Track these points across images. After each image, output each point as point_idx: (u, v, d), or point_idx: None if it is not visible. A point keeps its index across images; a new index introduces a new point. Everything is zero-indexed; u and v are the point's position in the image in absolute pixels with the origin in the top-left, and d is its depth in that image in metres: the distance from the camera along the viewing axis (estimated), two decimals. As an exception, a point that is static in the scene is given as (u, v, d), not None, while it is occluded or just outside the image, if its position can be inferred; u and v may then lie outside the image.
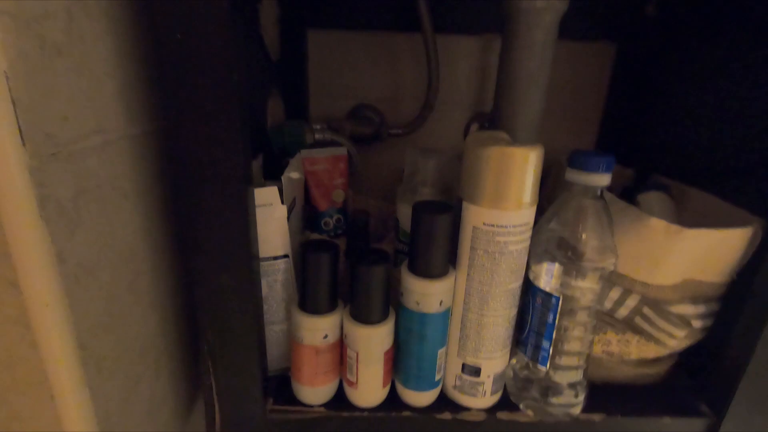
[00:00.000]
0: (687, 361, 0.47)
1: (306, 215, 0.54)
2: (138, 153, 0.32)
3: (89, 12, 0.26)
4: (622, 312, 0.42)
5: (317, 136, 0.55)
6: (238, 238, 0.35)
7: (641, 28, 0.59)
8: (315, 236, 0.52)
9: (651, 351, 0.44)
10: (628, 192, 0.57)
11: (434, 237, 0.35)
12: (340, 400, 0.42)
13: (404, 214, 0.42)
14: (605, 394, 0.44)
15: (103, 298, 0.29)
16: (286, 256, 0.40)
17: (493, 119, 0.42)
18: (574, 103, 0.64)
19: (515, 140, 0.37)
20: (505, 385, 0.43)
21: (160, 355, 0.37)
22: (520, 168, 0.33)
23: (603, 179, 0.35)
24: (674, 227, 0.37)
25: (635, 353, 0.44)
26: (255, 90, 0.49)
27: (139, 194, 0.33)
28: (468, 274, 0.37)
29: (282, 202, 0.38)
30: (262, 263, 0.39)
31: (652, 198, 0.50)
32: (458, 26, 0.59)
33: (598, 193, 0.36)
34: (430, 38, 0.55)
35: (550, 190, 0.51)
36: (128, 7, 0.31)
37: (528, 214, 0.35)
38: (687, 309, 0.41)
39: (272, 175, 0.47)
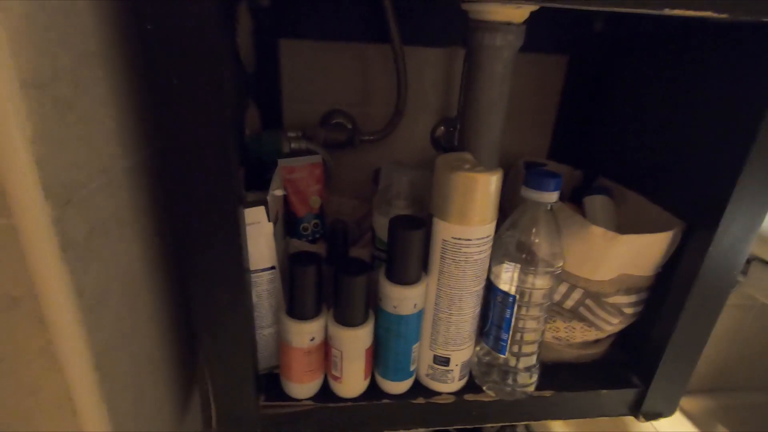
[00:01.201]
0: (621, 340, 0.55)
1: (285, 221, 0.57)
2: (133, 183, 0.35)
3: (91, 64, 0.28)
4: (569, 303, 0.49)
5: (293, 144, 0.58)
6: (231, 256, 0.38)
7: (590, 42, 0.65)
8: (295, 242, 0.55)
9: (592, 335, 0.51)
10: (576, 192, 0.63)
11: (409, 249, 0.40)
12: (325, 392, 0.47)
13: (380, 224, 0.46)
14: (554, 373, 0.51)
15: (112, 322, 0.31)
16: (273, 267, 0.43)
17: (460, 137, 0.46)
18: (531, 109, 0.70)
19: (479, 159, 0.42)
20: (470, 371, 0.49)
21: (158, 364, 0.40)
22: (483, 191, 0.38)
23: (552, 197, 0.40)
24: (610, 234, 0.44)
25: (579, 337, 0.51)
26: (236, 103, 0.50)
27: (137, 221, 0.35)
28: (438, 280, 0.42)
29: (269, 220, 0.41)
30: (251, 276, 0.42)
31: (596, 201, 0.56)
32: (424, 39, 0.63)
33: (549, 207, 0.41)
34: (399, 50, 0.58)
35: (509, 190, 0.57)
36: (123, 53, 0.33)
37: (489, 228, 0.40)
38: (621, 299, 0.48)
39: (251, 184, 0.50)
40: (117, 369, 0.32)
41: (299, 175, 0.57)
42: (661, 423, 0.68)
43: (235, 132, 0.36)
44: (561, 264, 0.42)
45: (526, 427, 0.76)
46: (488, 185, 0.38)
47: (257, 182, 0.50)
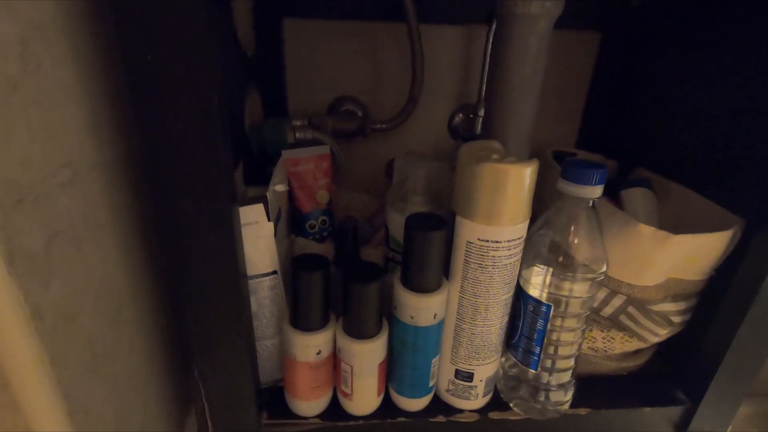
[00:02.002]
0: (665, 350, 0.49)
1: (290, 218, 0.53)
2: (111, 181, 0.30)
3: (45, 38, 0.23)
4: (608, 310, 0.44)
5: (298, 134, 0.53)
6: (225, 260, 0.33)
7: (626, 18, 0.58)
8: (301, 241, 0.50)
9: (633, 346, 0.45)
10: (611, 184, 0.57)
11: (428, 253, 0.35)
12: (335, 410, 0.42)
13: (395, 222, 0.41)
14: (590, 387, 0.46)
15: (86, 342, 0.27)
16: (274, 272, 0.39)
17: (485, 124, 0.41)
18: (557, 93, 0.63)
19: (507, 147, 0.36)
20: (495, 385, 0.44)
21: (148, 382, 0.36)
22: (515, 185, 0.32)
23: (595, 191, 0.34)
24: (661, 233, 0.38)
25: (619, 348, 0.46)
26: (232, 91, 0.46)
27: (115, 225, 0.30)
28: (462, 287, 0.37)
29: (268, 219, 0.36)
30: (250, 281, 0.38)
31: (635, 194, 0.50)
32: (441, 16, 0.57)
33: (591, 204, 0.36)
34: (415, 29, 0.53)
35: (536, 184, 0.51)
36: (89, 26, 0.28)
37: (522, 228, 0.35)
38: (668, 307, 0.43)
39: (253, 179, 0.45)
40: (94, 394, 0.28)
41: (305, 167, 0.52)
42: None
43: (228, 119, 0.31)
44: (604, 269, 0.37)
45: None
46: (521, 179, 0.32)
47: (260, 177, 0.45)
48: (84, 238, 0.27)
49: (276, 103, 0.59)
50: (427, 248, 0.35)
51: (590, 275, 0.37)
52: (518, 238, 0.35)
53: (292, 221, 0.53)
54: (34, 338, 0.22)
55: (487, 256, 0.35)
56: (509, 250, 0.35)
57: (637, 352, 0.48)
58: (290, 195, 0.52)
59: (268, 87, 0.57)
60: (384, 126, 0.58)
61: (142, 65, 0.26)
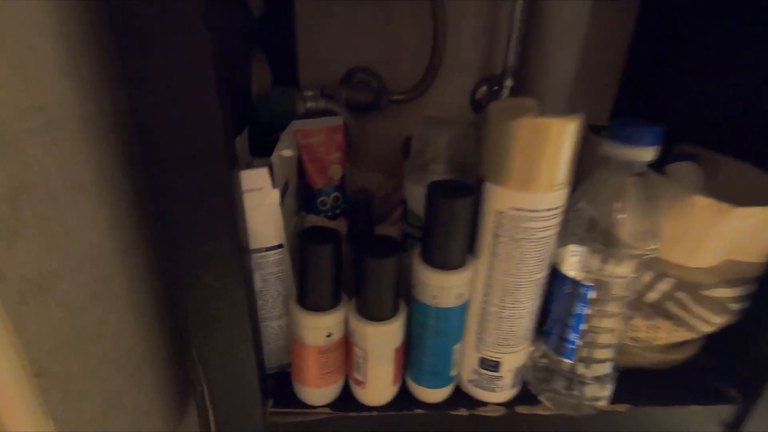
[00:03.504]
0: (713, 342, 0.44)
1: (300, 194, 0.49)
2: (96, 137, 0.26)
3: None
4: (653, 296, 0.39)
5: (309, 104, 0.49)
6: (225, 230, 0.30)
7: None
8: (311, 218, 0.47)
9: (681, 336, 0.40)
10: (652, 162, 0.52)
11: (453, 224, 0.31)
12: (346, 399, 0.39)
13: (413, 194, 0.37)
14: (629, 381, 0.41)
15: (64, 314, 0.24)
16: (280, 246, 0.35)
17: (517, 83, 0.36)
18: (591, 67, 0.58)
19: (544, 108, 0.32)
20: (524, 377, 0.40)
21: (141, 364, 0.33)
22: (555, 144, 0.28)
23: (649, 153, 0.30)
24: (722, 205, 0.33)
25: (664, 339, 0.41)
26: (236, 52, 0.42)
27: (101, 186, 0.27)
28: (490, 263, 0.33)
29: (273, 186, 0.33)
30: (253, 256, 0.34)
31: (681, 169, 0.45)
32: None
33: (642, 169, 0.31)
34: (436, -10, 0.48)
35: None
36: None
37: (561, 196, 0.30)
38: (723, 292, 0.37)
39: (260, 151, 0.42)
40: (74, 371, 0.25)
41: (316, 139, 0.48)
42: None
43: (226, 71, 0.27)
44: (654, 246, 0.32)
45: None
46: (563, 136, 0.28)
47: (267, 148, 0.41)
48: (60, 197, 0.23)
49: (286, 74, 0.55)
50: (452, 218, 0.31)
51: (638, 252, 0.32)
52: (556, 208, 0.30)
53: (302, 198, 0.50)
54: (-6, 304, 0.19)
55: (521, 227, 0.30)
56: (546, 221, 0.30)
57: (683, 343, 0.43)
58: (301, 170, 0.49)
59: (278, 55, 0.53)
60: (401, 97, 0.54)
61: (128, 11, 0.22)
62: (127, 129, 0.30)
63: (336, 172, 0.49)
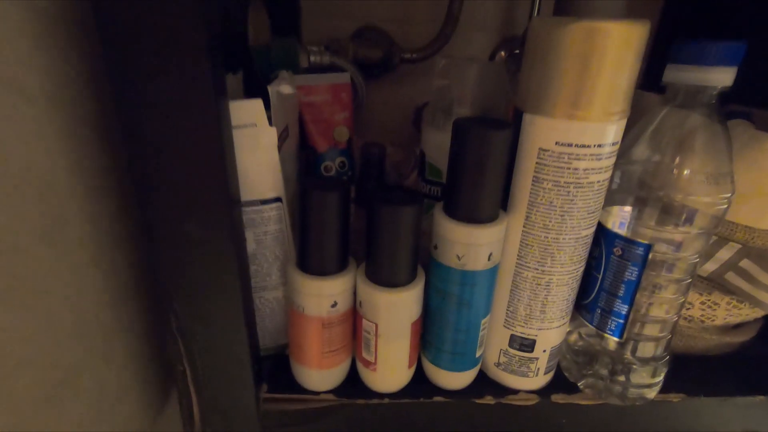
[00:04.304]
0: (773, 325, 0.38)
1: (301, 158, 0.44)
2: (46, 34, 0.21)
3: None
4: (709, 267, 0.33)
5: (313, 58, 0.44)
6: (209, 173, 0.25)
7: None
8: (314, 183, 0.41)
9: (742, 314, 0.35)
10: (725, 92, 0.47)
11: (485, 165, 0.25)
12: (353, 384, 0.33)
13: (435, 143, 0.32)
14: (682, 368, 0.35)
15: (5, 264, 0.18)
16: (278, 199, 0.30)
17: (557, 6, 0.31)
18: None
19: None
20: (559, 361, 0.34)
21: (110, 335, 0.28)
22: (617, 54, 0.22)
23: (726, 76, 0.24)
24: (806, 149, 0.27)
25: (721, 318, 0.35)
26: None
27: (51, 97, 0.22)
28: (527, 217, 0.27)
29: (270, 123, 0.27)
30: (245, 209, 0.29)
31: (736, 128, 0.40)
32: None
33: (714, 99, 0.25)
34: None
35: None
36: None
37: (618, 130, 0.25)
38: (798, 261, 0.32)
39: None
40: (12, 334, 0.19)
41: (320, 97, 0.43)
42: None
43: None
44: (729, 195, 0.27)
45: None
46: (627, 43, 0.22)
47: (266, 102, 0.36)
48: (-7, 100, 0.18)
49: (288, 31, 0.50)
50: (484, 158, 0.25)
51: (709, 202, 0.26)
52: (613, 143, 0.25)
53: (304, 163, 0.44)
54: None
55: (568, 168, 0.25)
56: (600, 160, 0.25)
57: (740, 325, 0.37)
58: (303, 130, 0.43)
59: (279, 8, 0.48)
60: (415, 56, 0.49)
61: None
62: (89, 33, 0.25)
63: (342, 134, 0.44)
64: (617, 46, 0.22)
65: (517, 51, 0.52)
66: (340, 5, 0.51)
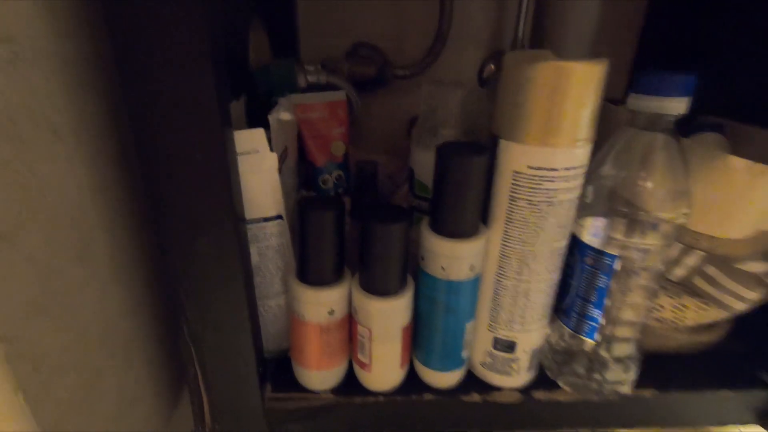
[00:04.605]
0: (744, 324, 0.41)
1: (301, 172, 0.47)
2: (74, 79, 0.24)
3: None
4: (679, 272, 0.36)
5: (311, 78, 0.47)
6: (217, 194, 0.27)
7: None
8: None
9: (710, 316, 0.37)
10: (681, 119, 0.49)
11: (465, 187, 0.28)
12: (350, 383, 0.36)
13: (421, 162, 0.35)
14: (655, 365, 0.38)
15: (36, 274, 0.21)
16: (279, 217, 0.33)
17: (533, 31, 0.34)
18: (606, 38, 0.55)
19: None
20: (541, 360, 0.37)
21: (129, 341, 0.31)
22: (580, 90, 0.25)
23: (681, 105, 0.27)
24: (759, 166, 0.30)
25: (691, 319, 0.38)
26: (232, 19, 0.40)
27: (79, 135, 0.25)
28: (505, 231, 0.30)
29: (271, 149, 0.30)
30: (249, 226, 0.32)
31: (706, 140, 0.42)
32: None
33: (672, 124, 0.28)
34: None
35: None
36: None
37: (584, 154, 0.28)
38: (760, 266, 0.35)
39: (258, 123, 0.39)
40: (47, 342, 0.22)
41: (318, 114, 0.46)
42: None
43: (219, 17, 0.25)
44: (686, 210, 0.29)
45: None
46: (588, 80, 0.25)
47: (265, 123, 0.39)
48: (31, 141, 0.21)
49: (286, 49, 0.53)
50: (464, 180, 0.28)
51: (668, 216, 0.29)
52: (580, 166, 0.28)
53: (303, 176, 0.47)
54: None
55: (540, 189, 0.28)
56: (568, 181, 0.28)
57: (711, 325, 0.40)
58: (301, 147, 0.46)
59: (278, 28, 0.51)
60: (407, 72, 0.52)
61: None
62: (112, 75, 0.28)
63: (338, 148, 0.47)
64: (580, 83, 0.25)
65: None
66: (335, 23, 0.54)
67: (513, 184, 0.28)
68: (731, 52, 0.47)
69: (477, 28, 0.55)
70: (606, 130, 0.30)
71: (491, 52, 0.57)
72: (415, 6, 0.53)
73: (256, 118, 0.41)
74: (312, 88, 0.47)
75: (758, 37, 0.44)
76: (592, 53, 0.34)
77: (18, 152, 0.20)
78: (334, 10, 0.53)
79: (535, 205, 0.28)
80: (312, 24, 0.53)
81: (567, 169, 0.27)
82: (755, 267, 0.35)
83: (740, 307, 0.36)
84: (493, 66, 0.58)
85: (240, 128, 0.36)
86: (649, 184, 0.29)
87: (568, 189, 0.28)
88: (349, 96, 0.48)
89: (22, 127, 0.20)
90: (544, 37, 0.33)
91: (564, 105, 0.25)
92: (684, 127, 0.47)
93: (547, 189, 0.28)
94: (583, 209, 0.31)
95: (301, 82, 0.46)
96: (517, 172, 0.28)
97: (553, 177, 0.27)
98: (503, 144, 0.28)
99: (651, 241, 0.30)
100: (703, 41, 0.51)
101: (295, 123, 0.41)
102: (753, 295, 0.35)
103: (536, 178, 0.28)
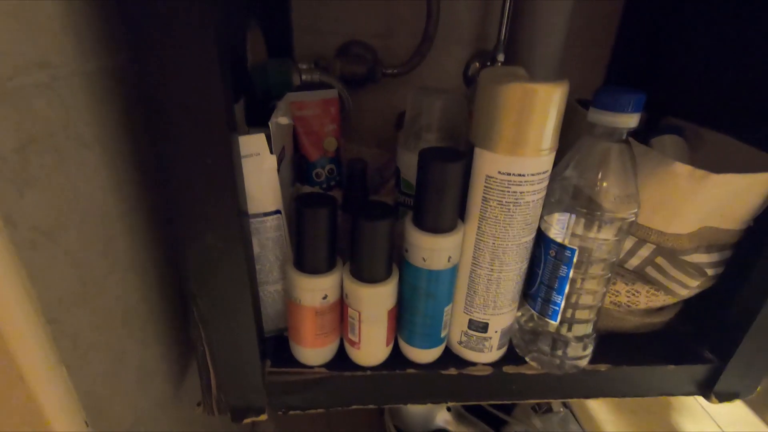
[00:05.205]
0: (691, 307, 0.46)
1: (296, 166, 0.50)
2: (97, 94, 0.27)
3: None
4: (633, 262, 0.41)
5: (305, 76, 0.50)
6: (224, 193, 0.31)
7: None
8: (306, 189, 0.48)
9: (660, 300, 0.42)
10: (638, 136, 0.53)
11: (444, 188, 0.32)
12: (341, 359, 0.40)
13: (407, 162, 0.38)
14: (611, 344, 0.43)
15: (72, 265, 0.25)
16: (278, 212, 0.36)
17: (505, 53, 0.37)
18: (583, 39, 0.59)
19: (534, 76, 0.33)
20: (511, 339, 0.42)
21: (145, 323, 0.34)
22: (543, 108, 0.29)
23: (631, 120, 0.31)
24: (700, 172, 0.34)
25: (644, 303, 0.43)
26: (231, 23, 0.42)
27: (103, 144, 0.28)
28: (479, 228, 0.34)
29: (271, 151, 0.34)
30: (251, 221, 0.35)
31: (666, 142, 0.47)
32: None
33: (624, 136, 0.32)
34: (429, -39, 0.49)
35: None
36: None
37: (548, 161, 0.32)
38: (701, 258, 0.39)
39: (256, 121, 0.42)
40: (83, 322, 0.26)
41: (311, 111, 0.49)
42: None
43: (225, 38, 0.28)
44: (635, 210, 0.34)
45: (567, 407, 0.69)
46: (550, 100, 0.29)
47: (263, 119, 0.42)
48: (65, 152, 0.24)
49: (281, 46, 0.56)
50: (442, 183, 0.32)
51: (620, 216, 0.34)
52: (544, 172, 0.32)
53: (297, 170, 0.51)
54: (8, 248, 0.20)
55: (509, 192, 0.32)
56: (533, 185, 0.32)
57: (661, 308, 0.45)
58: (296, 143, 0.49)
59: (273, 27, 0.54)
60: (396, 71, 0.55)
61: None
62: (129, 89, 0.31)
63: (330, 144, 0.50)
64: (544, 102, 0.29)
65: (489, 63, 0.58)
66: (328, 21, 0.56)
67: (485, 186, 0.32)
68: (690, 62, 0.51)
69: (463, 28, 0.58)
70: (576, 131, 0.34)
71: (476, 51, 0.60)
72: (405, 5, 0.56)
73: (254, 115, 0.45)
74: (305, 86, 0.50)
75: (711, 51, 0.48)
76: (561, 68, 0.38)
77: (57, 162, 0.23)
78: (327, 8, 0.55)
79: (504, 205, 0.32)
80: (306, 22, 0.55)
81: (532, 174, 0.31)
82: (698, 258, 0.39)
83: (684, 293, 0.41)
84: (478, 64, 0.61)
85: (240, 129, 0.39)
86: (604, 187, 0.33)
87: (534, 191, 0.32)
88: (340, 94, 0.51)
89: (58, 140, 0.24)
90: (516, 56, 0.37)
91: (530, 121, 0.29)
92: (649, 129, 0.51)
93: (514, 191, 0.32)
94: (550, 206, 0.35)
95: (296, 80, 0.49)
96: (489, 177, 0.32)
97: (521, 181, 0.31)
98: (477, 151, 0.32)
99: (605, 236, 0.35)
100: (669, 51, 0.55)
101: (292, 125, 0.44)
102: (695, 283, 0.40)
103: (505, 182, 0.31)
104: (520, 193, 0.32)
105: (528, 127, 0.29)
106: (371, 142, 0.62)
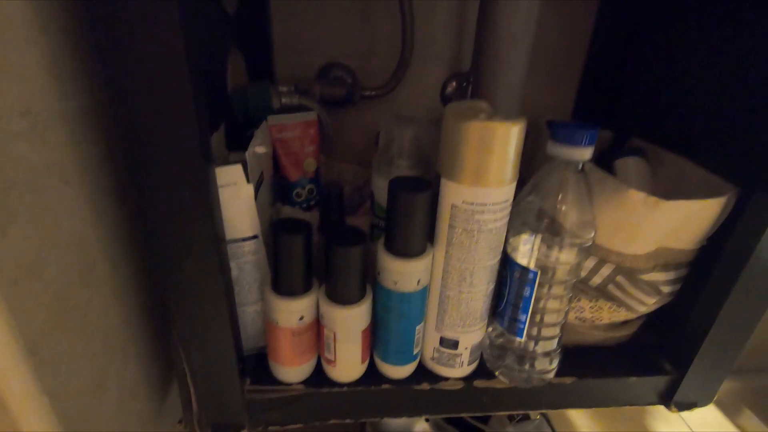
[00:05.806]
0: (651, 321, 0.49)
1: (276, 186, 0.51)
2: (76, 132, 0.28)
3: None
4: (596, 280, 0.43)
5: (284, 100, 0.51)
6: (201, 222, 0.32)
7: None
8: (287, 209, 0.49)
9: (621, 316, 0.45)
10: (605, 155, 0.56)
11: (412, 216, 0.34)
12: (319, 376, 0.42)
13: (380, 187, 0.40)
14: (576, 357, 0.45)
15: (52, 297, 0.26)
16: (255, 236, 0.38)
17: (473, 83, 0.39)
18: (553, 62, 0.62)
19: (496, 107, 0.35)
20: (481, 354, 0.44)
21: (126, 344, 0.36)
22: (502, 144, 0.31)
23: (585, 153, 0.33)
24: (652, 199, 0.37)
25: (606, 318, 0.45)
26: (211, 50, 0.44)
27: (83, 178, 0.29)
28: (446, 252, 0.36)
29: (248, 181, 0.35)
30: (229, 245, 0.37)
31: (628, 164, 0.49)
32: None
33: (580, 167, 0.34)
34: (405, -11, 0.51)
35: (527, 154, 0.50)
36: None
37: (508, 191, 0.34)
38: (658, 276, 0.42)
39: (237, 145, 0.44)
40: (62, 351, 0.27)
41: (291, 134, 0.50)
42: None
43: (201, 72, 0.29)
44: (592, 235, 0.36)
45: (543, 415, 0.72)
46: (508, 137, 0.31)
47: (243, 142, 0.44)
48: (47, 190, 0.26)
49: (262, 68, 0.57)
50: (411, 211, 0.34)
51: (578, 241, 0.36)
52: (505, 201, 0.34)
53: (278, 189, 0.52)
54: (-9, 289, 0.21)
55: (473, 219, 0.34)
56: (495, 213, 0.34)
57: (624, 323, 0.47)
58: (276, 163, 0.51)
59: (253, 50, 0.55)
60: (374, 93, 0.57)
61: (105, 12, 0.24)
62: (108, 126, 0.32)
63: (310, 165, 0.52)
64: (502, 139, 0.31)
65: (465, 84, 0.60)
66: (308, 43, 0.58)
67: (451, 214, 0.34)
68: (656, 85, 0.54)
69: (439, 48, 0.60)
70: (544, 152, 0.36)
71: (452, 72, 0.62)
72: (384, 26, 0.58)
73: (235, 139, 0.46)
74: (286, 109, 0.51)
75: (674, 76, 0.51)
76: (520, 99, 0.40)
77: (40, 202, 0.25)
78: (307, 31, 0.57)
79: (469, 231, 0.34)
80: (286, 44, 0.57)
81: (494, 204, 0.33)
82: (656, 276, 0.42)
83: (643, 309, 0.43)
84: (455, 83, 0.63)
85: (220, 154, 0.41)
86: (563, 214, 0.35)
87: (496, 219, 0.34)
88: (320, 116, 0.53)
89: (41, 179, 0.25)
90: (479, 84, 0.39)
91: (490, 156, 0.31)
92: (615, 148, 0.54)
93: (478, 219, 0.34)
94: (516, 228, 0.37)
95: (276, 103, 0.51)
96: (454, 205, 0.34)
97: (483, 210, 0.33)
98: (443, 182, 0.34)
99: (566, 258, 0.37)
100: (636, 73, 0.58)
101: (270, 152, 0.45)
102: (652, 301, 0.42)
103: (469, 210, 0.33)
104: (483, 221, 0.34)
105: (489, 161, 0.31)
106: (352, 158, 0.64)
